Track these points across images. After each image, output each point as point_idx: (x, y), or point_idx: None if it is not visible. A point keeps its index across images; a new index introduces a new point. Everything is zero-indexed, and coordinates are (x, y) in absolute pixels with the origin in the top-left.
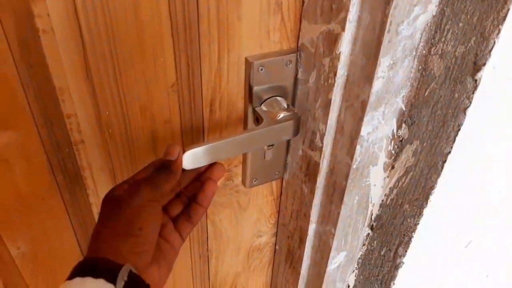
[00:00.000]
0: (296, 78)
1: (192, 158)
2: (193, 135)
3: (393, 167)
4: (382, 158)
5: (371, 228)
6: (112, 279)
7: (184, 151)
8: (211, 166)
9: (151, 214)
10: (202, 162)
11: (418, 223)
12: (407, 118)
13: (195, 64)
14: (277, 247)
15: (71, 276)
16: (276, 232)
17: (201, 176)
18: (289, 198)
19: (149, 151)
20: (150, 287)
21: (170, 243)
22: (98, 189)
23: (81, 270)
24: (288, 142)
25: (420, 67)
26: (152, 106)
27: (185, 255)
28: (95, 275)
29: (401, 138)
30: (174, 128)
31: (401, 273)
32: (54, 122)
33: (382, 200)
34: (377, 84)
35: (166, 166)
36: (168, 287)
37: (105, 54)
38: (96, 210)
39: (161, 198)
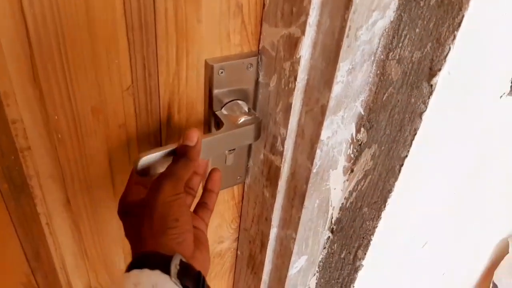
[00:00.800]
0: (257, 82)
1: (147, 165)
2: (150, 140)
3: (352, 171)
4: (342, 162)
5: (332, 231)
6: (166, 269)
7: (138, 158)
8: None
9: (180, 205)
10: (159, 169)
11: (377, 226)
12: (365, 122)
13: (151, 66)
14: (238, 252)
15: (128, 269)
16: (238, 237)
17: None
18: (250, 203)
19: (103, 156)
20: (201, 273)
21: (199, 228)
22: (46, 198)
23: (137, 263)
24: (250, 146)
25: (378, 72)
26: (106, 109)
27: None
28: (151, 267)
29: (360, 142)
30: (130, 132)
31: (361, 275)
32: None
33: (342, 203)
34: (337, 89)
35: (183, 154)
36: None
37: (53, 54)
38: (45, 220)
39: (183, 187)
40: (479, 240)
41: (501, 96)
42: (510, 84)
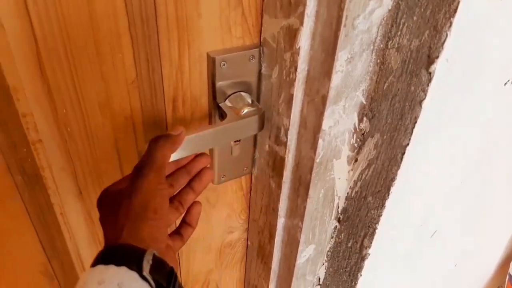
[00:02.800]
0: (260, 74)
1: None
2: (156, 132)
3: (356, 160)
4: (345, 152)
5: (338, 220)
6: (136, 266)
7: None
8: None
9: (162, 197)
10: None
11: (381, 215)
12: (368, 111)
13: (155, 61)
14: (249, 243)
15: (94, 263)
16: (248, 227)
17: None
18: (258, 193)
19: (111, 149)
20: (173, 269)
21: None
22: (59, 189)
23: (104, 257)
24: (255, 137)
25: (378, 61)
26: (112, 103)
27: None
28: (118, 263)
29: (363, 132)
30: (136, 125)
31: (368, 263)
32: (9, 121)
33: (347, 193)
34: (336, 78)
35: (165, 137)
36: None
37: (59, 50)
38: (59, 210)
39: (166, 181)
40: (492, 231)
41: (505, 84)
42: None
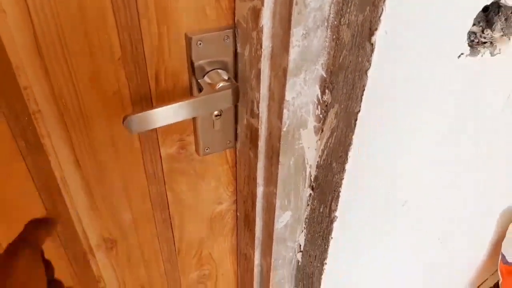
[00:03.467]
0: (236, 53)
1: (139, 122)
2: (142, 104)
3: (322, 130)
4: (311, 122)
5: (312, 188)
6: None
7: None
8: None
9: (37, 274)
10: (150, 126)
11: (343, 178)
12: (328, 84)
13: (137, 41)
14: (238, 214)
15: None
16: (236, 199)
17: None
18: (241, 166)
19: (102, 120)
20: None
21: None
22: (58, 156)
23: None
24: (236, 113)
25: (334, 36)
26: (101, 78)
27: (149, 222)
28: None
29: (326, 103)
30: (124, 98)
31: (338, 228)
32: (12, 94)
33: (318, 162)
34: (294, 53)
35: (41, 220)
36: (136, 253)
37: (52, 32)
38: (59, 175)
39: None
40: (476, 207)
41: (459, 56)
42: (467, 43)
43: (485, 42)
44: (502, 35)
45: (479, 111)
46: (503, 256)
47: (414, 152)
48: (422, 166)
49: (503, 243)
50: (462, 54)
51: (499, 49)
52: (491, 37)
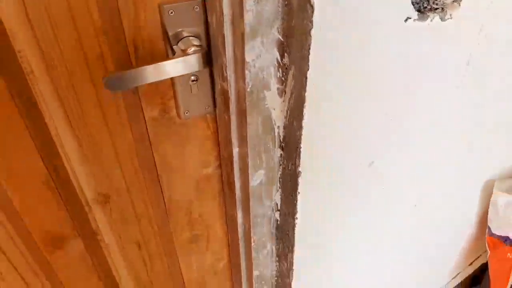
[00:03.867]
0: (207, 22)
1: (118, 81)
2: (124, 68)
3: (285, 92)
4: (274, 84)
5: (282, 149)
6: None
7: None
8: None
9: None
10: (128, 85)
11: (302, 134)
12: (286, 47)
13: (115, 13)
14: (223, 178)
15: None
16: (220, 164)
17: None
18: (221, 130)
19: (88, 82)
20: None
21: None
22: (52, 114)
23: None
24: (212, 79)
25: (286, 2)
26: (84, 45)
27: (138, 181)
28: None
29: (286, 66)
30: (107, 62)
31: (304, 183)
32: (8, 56)
33: (284, 123)
34: (248, 17)
35: None
36: (129, 209)
37: (39, 4)
38: (54, 132)
39: None
40: (452, 177)
41: (405, 20)
42: (413, 7)
43: (437, 8)
44: (453, 1)
45: (437, 75)
46: (489, 229)
47: (368, 113)
48: (383, 127)
49: (488, 216)
50: (409, 18)
51: (450, 15)
52: (443, 3)
